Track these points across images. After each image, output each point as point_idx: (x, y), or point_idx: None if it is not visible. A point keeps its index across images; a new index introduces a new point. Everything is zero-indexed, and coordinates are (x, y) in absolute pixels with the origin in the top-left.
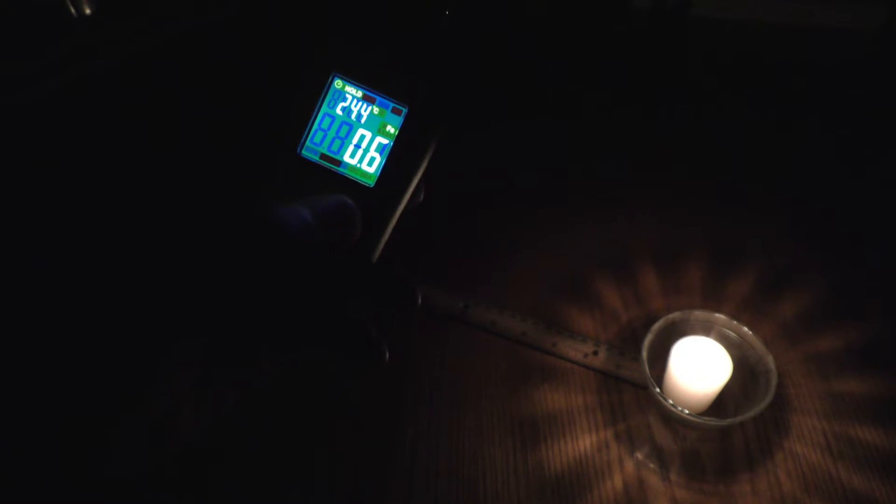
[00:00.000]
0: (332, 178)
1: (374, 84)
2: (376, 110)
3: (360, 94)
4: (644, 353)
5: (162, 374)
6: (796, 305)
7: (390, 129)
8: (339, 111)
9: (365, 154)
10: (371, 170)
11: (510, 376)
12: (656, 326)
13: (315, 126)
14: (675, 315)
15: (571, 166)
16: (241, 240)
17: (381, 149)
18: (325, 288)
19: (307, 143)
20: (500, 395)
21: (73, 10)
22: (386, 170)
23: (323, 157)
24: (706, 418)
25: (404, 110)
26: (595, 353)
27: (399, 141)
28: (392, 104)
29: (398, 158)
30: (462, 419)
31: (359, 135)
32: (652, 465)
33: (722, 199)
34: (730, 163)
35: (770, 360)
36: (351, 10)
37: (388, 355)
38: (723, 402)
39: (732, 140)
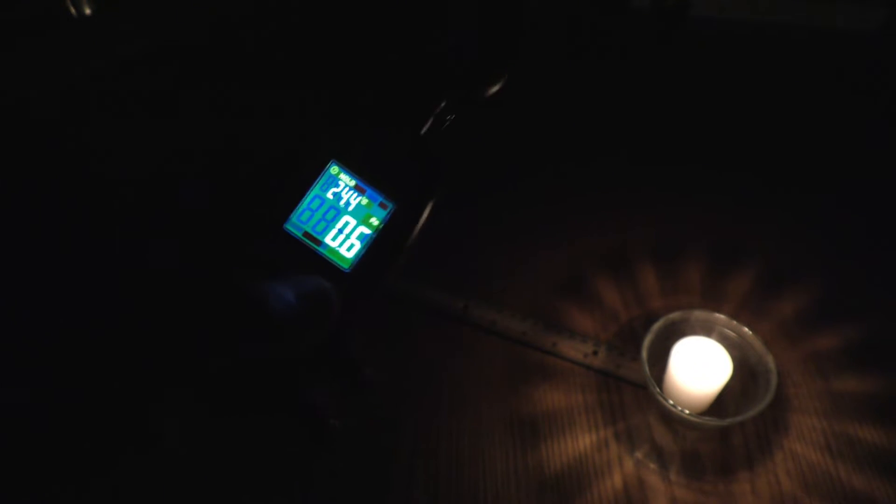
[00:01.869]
0: (310, 255)
1: (368, 177)
2: (364, 201)
3: (353, 183)
4: (644, 353)
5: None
6: (796, 305)
7: (374, 220)
8: (329, 195)
9: (346, 240)
10: (349, 255)
11: (510, 376)
12: (656, 326)
13: (304, 205)
14: (675, 315)
15: (571, 166)
16: (232, 310)
17: (362, 237)
18: (289, 371)
19: (293, 219)
20: (500, 394)
21: (73, 10)
22: (363, 258)
23: (306, 234)
24: (706, 418)
25: (391, 206)
26: (595, 352)
27: (380, 234)
28: (381, 199)
29: (376, 251)
30: (462, 419)
31: (343, 221)
32: (652, 465)
33: (722, 198)
34: (730, 162)
35: (770, 360)
36: (363, 105)
37: (337, 426)
38: (723, 402)
39: (732, 140)
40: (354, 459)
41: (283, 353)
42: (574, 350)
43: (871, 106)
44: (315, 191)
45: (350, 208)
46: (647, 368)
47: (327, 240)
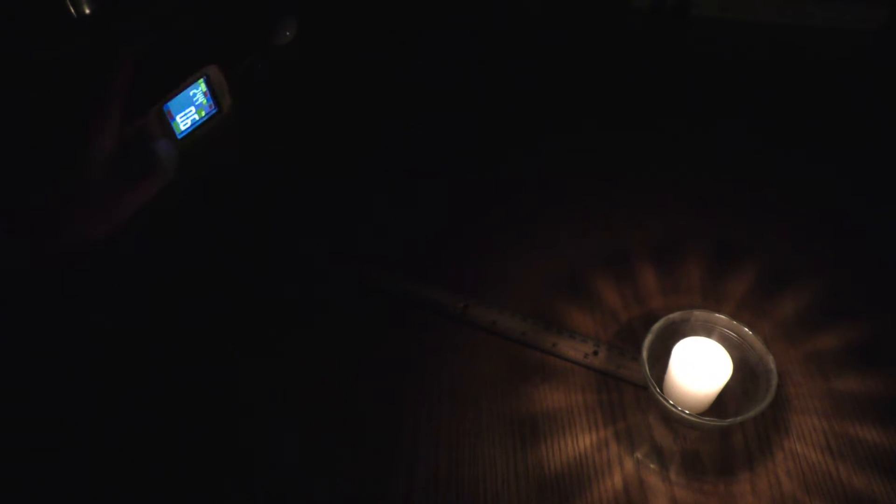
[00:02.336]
0: (166, 125)
1: (213, 90)
2: (204, 101)
3: (206, 90)
4: (644, 353)
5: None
6: (796, 305)
7: (203, 112)
8: (190, 93)
9: (184, 119)
10: (182, 128)
11: (510, 376)
12: (656, 326)
13: (179, 97)
14: (675, 315)
15: (571, 166)
16: None
17: (193, 120)
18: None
19: (170, 103)
20: (500, 394)
21: (72, 10)
22: (188, 133)
23: (168, 112)
24: (706, 418)
25: (215, 110)
26: (595, 353)
27: (202, 122)
28: (212, 102)
29: (196, 131)
30: (462, 419)
31: (188, 109)
32: (652, 465)
33: (722, 198)
34: (730, 162)
35: (770, 360)
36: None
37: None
38: (723, 402)
39: (733, 139)
40: (354, 460)
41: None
42: (574, 350)
43: (871, 106)
44: (190, 88)
45: (196, 101)
46: (647, 368)
47: (177, 117)
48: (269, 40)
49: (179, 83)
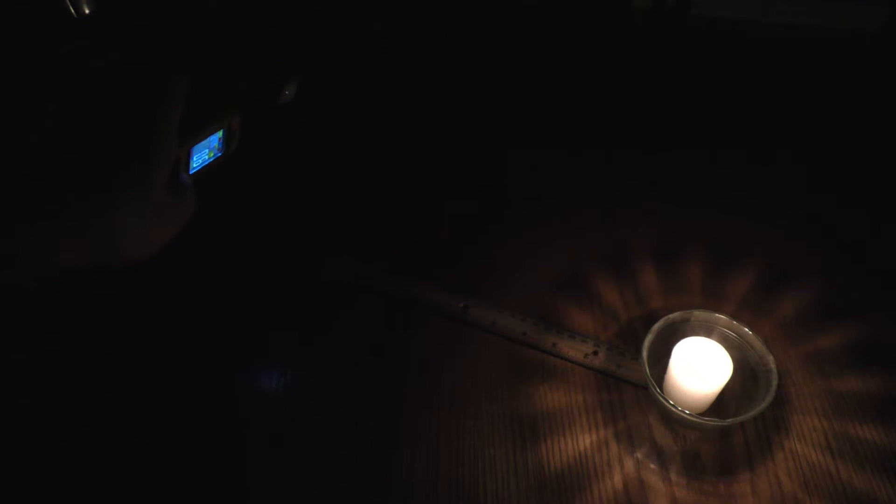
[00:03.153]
0: (185, 162)
1: (228, 140)
2: (216, 145)
3: (221, 137)
4: (644, 353)
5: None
6: (796, 305)
7: (212, 154)
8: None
9: (198, 159)
10: (194, 165)
11: (510, 376)
12: (656, 326)
13: (205, 142)
14: (676, 315)
15: (571, 166)
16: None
17: (203, 161)
18: None
19: (196, 146)
20: (500, 394)
21: (72, 10)
22: (198, 170)
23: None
24: (706, 418)
25: (222, 153)
26: (595, 352)
27: (210, 161)
28: (221, 145)
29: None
30: (462, 419)
31: (203, 149)
32: (652, 465)
33: (722, 198)
34: (730, 162)
35: (770, 360)
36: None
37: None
38: (723, 402)
39: (733, 139)
40: (353, 459)
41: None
42: (574, 350)
43: (871, 106)
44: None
45: (212, 145)
46: (647, 368)
47: (193, 156)
48: (273, 98)
49: (208, 125)
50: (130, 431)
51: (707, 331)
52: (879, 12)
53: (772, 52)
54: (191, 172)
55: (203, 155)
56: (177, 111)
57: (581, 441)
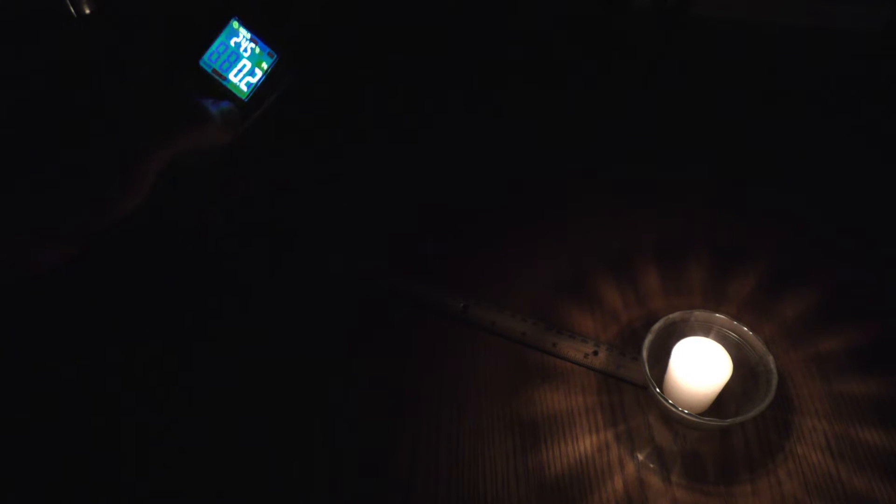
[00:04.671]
0: (217, 87)
1: (260, 32)
2: (257, 50)
3: (248, 35)
4: (644, 353)
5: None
6: (797, 306)
7: (264, 65)
8: (231, 43)
9: (244, 78)
10: (245, 90)
11: (510, 377)
12: (656, 326)
13: (213, 49)
14: (676, 315)
15: (571, 166)
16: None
17: (254, 76)
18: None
19: (205, 58)
20: (500, 395)
21: (72, 10)
22: (254, 92)
23: (214, 71)
24: (706, 418)
25: (276, 56)
26: (595, 353)
27: (268, 76)
28: (268, 49)
29: (263, 87)
30: (461, 420)
31: (242, 63)
32: (652, 466)
33: (723, 198)
34: (731, 162)
35: (770, 361)
36: None
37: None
38: (723, 402)
39: (733, 140)
40: (353, 460)
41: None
42: (574, 350)
43: (872, 106)
44: (221, 38)
45: (246, 54)
46: (647, 368)
47: (230, 76)
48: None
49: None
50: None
51: (707, 331)
52: (879, 12)
53: (772, 53)
54: (246, 97)
55: (245, 70)
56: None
57: (581, 441)
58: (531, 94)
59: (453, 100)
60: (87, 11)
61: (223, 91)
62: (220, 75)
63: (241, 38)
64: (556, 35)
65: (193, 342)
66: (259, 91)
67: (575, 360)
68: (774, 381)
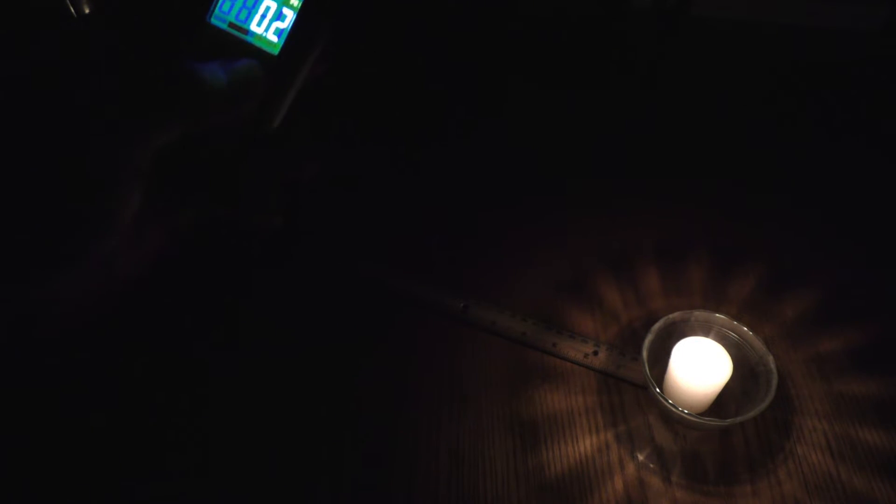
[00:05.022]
0: (239, 45)
1: None
2: None
3: None
4: (644, 353)
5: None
6: (797, 306)
7: (294, 1)
8: None
9: (270, 24)
10: (275, 39)
11: (510, 376)
12: (656, 326)
13: None
14: (676, 315)
15: (571, 166)
16: (167, 85)
17: (284, 20)
18: (232, 154)
19: (216, 11)
20: (500, 395)
21: (72, 10)
22: (289, 41)
23: (231, 25)
24: (706, 418)
25: None
26: (595, 353)
27: (302, 14)
28: None
29: (300, 31)
30: (462, 420)
31: (264, 6)
32: (652, 466)
33: (723, 199)
34: (731, 163)
35: (770, 361)
36: None
37: (281, 220)
38: (723, 403)
39: (733, 140)
40: (353, 460)
41: (220, 125)
42: (574, 350)
43: (872, 106)
44: None
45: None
46: (647, 368)
47: (252, 27)
48: None
49: None
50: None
51: (707, 331)
52: (879, 12)
53: (772, 53)
54: (277, 52)
55: (270, 15)
56: None
57: (581, 441)
58: (531, 94)
59: (453, 100)
60: (87, 11)
61: (249, 49)
62: (240, 28)
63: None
64: (557, 35)
65: (193, 342)
66: (293, 39)
67: (575, 360)
68: (774, 381)
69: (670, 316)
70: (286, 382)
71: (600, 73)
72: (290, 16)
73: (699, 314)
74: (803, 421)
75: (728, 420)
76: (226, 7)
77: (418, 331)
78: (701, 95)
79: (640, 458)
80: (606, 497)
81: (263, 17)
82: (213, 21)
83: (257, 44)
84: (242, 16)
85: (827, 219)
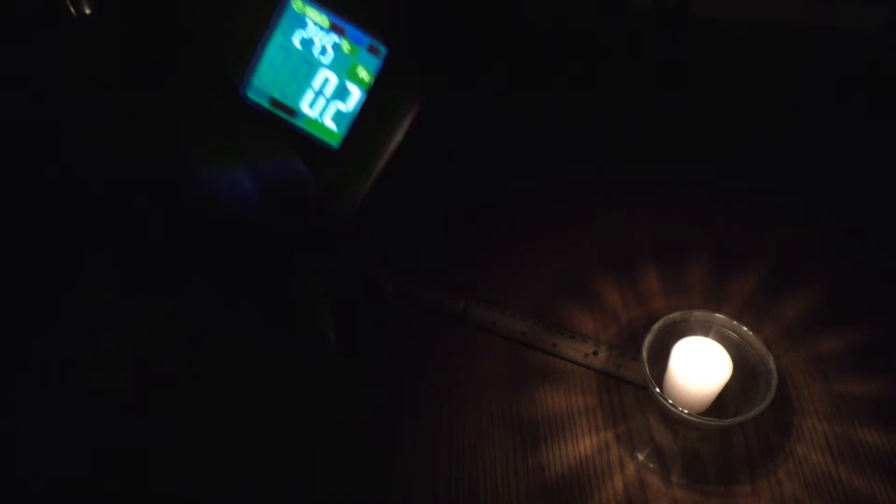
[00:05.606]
0: (283, 131)
1: (346, 10)
2: (347, 47)
3: (325, 21)
4: (644, 353)
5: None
6: (797, 306)
7: (363, 73)
8: (296, 43)
9: (328, 105)
10: (334, 127)
11: (510, 376)
12: (656, 326)
13: (265, 61)
14: (676, 315)
15: (571, 166)
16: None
17: (348, 100)
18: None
19: (253, 82)
20: (500, 395)
21: (72, 10)
22: (356, 128)
23: (274, 103)
24: (706, 418)
25: (384, 51)
26: (595, 353)
27: (375, 91)
28: (369, 41)
29: (372, 114)
30: (462, 419)
31: (321, 77)
32: (652, 466)
33: (723, 199)
34: (731, 163)
35: (770, 361)
36: None
37: (332, 337)
38: (723, 402)
39: (733, 140)
40: (353, 460)
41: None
42: (574, 350)
43: (872, 106)
44: (276, 38)
45: (328, 59)
46: (647, 368)
47: (303, 107)
48: None
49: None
50: None
51: (707, 331)
52: (879, 12)
53: (772, 53)
54: (343, 133)
55: (328, 90)
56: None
57: (581, 441)
58: (531, 94)
59: (453, 100)
60: (88, 11)
61: (294, 139)
62: (286, 108)
63: (314, 30)
64: (556, 35)
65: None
66: (362, 124)
67: (575, 360)
68: (774, 381)
69: (670, 316)
70: (285, 382)
71: (600, 74)
72: (356, 95)
73: (699, 314)
74: (803, 421)
75: (728, 420)
76: (266, 78)
77: (418, 331)
78: (701, 95)
79: (640, 457)
80: (606, 497)
81: (319, 93)
82: (250, 96)
83: (310, 131)
84: (290, 91)
85: (827, 218)
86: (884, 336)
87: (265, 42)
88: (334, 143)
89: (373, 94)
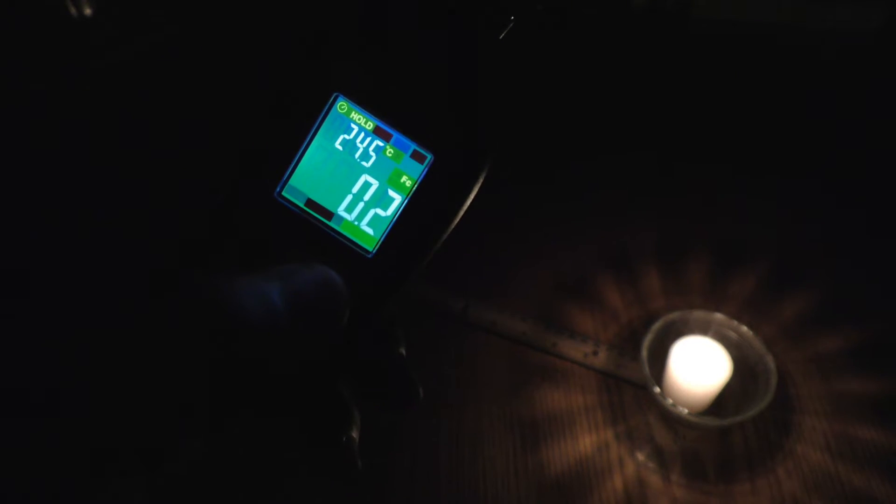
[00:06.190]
0: (317, 235)
1: (393, 116)
2: (390, 152)
3: (370, 125)
4: (644, 353)
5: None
6: (797, 305)
7: (406, 180)
8: (338, 146)
9: (368, 210)
10: (372, 232)
11: (510, 376)
12: (656, 326)
13: (304, 161)
14: (675, 315)
15: (571, 165)
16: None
17: (389, 205)
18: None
19: (290, 182)
20: (500, 395)
21: (73, 10)
22: (393, 235)
23: (309, 204)
24: (706, 418)
25: (429, 157)
26: (595, 353)
27: (416, 198)
28: (413, 147)
29: (411, 222)
30: (462, 419)
31: (362, 182)
32: (652, 465)
33: (723, 198)
34: (730, 162)
35: (770, 360)
36: (370, 14)
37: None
38: (723, 402)
39: (733, 139)
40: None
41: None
42: (574, 350)
43: (872, 106)
44: (317, 140)
45: (370, 163)
46: (646, 368)
47: (340, 210)
48: None
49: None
50: None
51: (706, 330)
52: (879, 12)
53: (772, 53)
54: (381, 237)
55: (369, 194)
56: None
57: (581, 441)
58: (530, 94)
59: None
60: (88, 12)
61: (328, 244)
62: (322, 210)
63: (357, 134)
64: (556, 35)
65: None
66: (400, 232)
67: (575, 360)
68: (774, 381)
69: (670, 315)
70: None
71: (600, 74)
72: (396, 201)
73: (698, 314)
74: (803, 420)
75: (727, 419)
76: (304, 178)
77: (418, 331)
78: (700, 95)
79: (640, 457)
80: (606, 496)
81: (359, 198)
82: (286, 195)
83: (346, 235)
84: (328, 193)
85: (827, 218)
86: (883, 336)
87: (307, 143)
88: (369, 248)
89: (414, 200)
